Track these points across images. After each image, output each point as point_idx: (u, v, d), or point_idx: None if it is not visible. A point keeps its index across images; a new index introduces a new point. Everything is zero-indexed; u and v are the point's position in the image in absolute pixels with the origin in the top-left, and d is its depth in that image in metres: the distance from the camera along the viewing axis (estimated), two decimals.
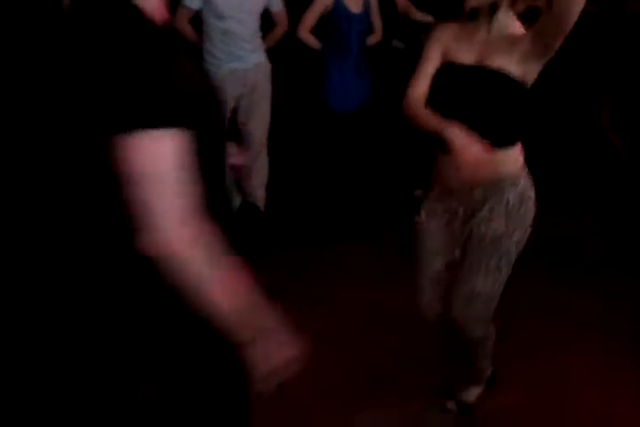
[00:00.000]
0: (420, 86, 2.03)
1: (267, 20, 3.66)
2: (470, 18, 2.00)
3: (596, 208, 4.15)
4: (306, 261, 3.40)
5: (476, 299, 2.03)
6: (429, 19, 3.81)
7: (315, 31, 3.73)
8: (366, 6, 3.73)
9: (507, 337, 2.45)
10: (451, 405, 2.42)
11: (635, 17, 4.26)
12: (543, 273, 3.26)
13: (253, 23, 3.51)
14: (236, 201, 3.80)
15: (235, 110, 3.64)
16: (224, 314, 1.04)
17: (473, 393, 2.40)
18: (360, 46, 3.74)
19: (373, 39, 3.84)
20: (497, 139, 1.94)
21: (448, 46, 2.03)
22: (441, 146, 1.86)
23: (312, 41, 3.72)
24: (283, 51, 3.84)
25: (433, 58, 2.04)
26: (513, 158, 2.02)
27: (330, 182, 3.94)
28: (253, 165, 3.74)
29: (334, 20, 3.67)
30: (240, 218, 3.76)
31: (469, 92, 1.97)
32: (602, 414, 2.39)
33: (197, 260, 1.00)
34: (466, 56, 1.99)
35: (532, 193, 2.05)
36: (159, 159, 0.95)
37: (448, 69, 2.03)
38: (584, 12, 1.82)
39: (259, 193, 3.81)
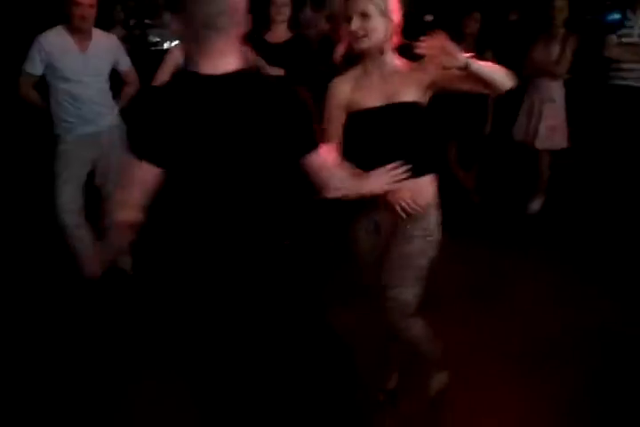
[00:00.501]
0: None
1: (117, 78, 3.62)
2: (349, 65, 2.18)
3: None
4: None
5: (404, 306, 2.30)
6: (278, 72, 3.93)
7: None
8: None
9: None
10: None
11: None
12: None
13: (101, 85, 3.46)
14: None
15: (91, 173, 3.54)
16: None
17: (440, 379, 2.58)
18: None
19: None
20: (422, 166, 2.18)
21: (348, 99, 2.19)
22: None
23: None
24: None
25: (336, 117, 2.20)
26: (428, 188, 2.26)
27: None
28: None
29: None
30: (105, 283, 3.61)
31: (388, 129, 2.15)
32: None
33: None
34: (369, 100, 2.17)
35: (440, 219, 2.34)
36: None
37: (359, 117, 2.19)
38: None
39: (125, 257, 3.68)
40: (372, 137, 2.20)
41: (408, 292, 2.28)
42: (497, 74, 2.12)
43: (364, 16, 2.08)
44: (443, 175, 4.61)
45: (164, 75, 3.67)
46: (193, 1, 1.58)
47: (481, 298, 3.54)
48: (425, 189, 2.24)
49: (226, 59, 1.63)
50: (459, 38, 4.67)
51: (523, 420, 2.59)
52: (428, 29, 5.68)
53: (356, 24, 2.09)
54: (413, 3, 6.21)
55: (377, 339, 2.66)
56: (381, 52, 2.16)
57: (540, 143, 4.74)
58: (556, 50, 4.62)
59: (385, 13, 2.11)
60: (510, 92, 4.99)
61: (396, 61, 2.20)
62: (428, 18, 5.56)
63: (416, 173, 2.14)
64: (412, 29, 5.35)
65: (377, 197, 2.15)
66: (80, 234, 3.48)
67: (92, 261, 3.58)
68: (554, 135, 4.72)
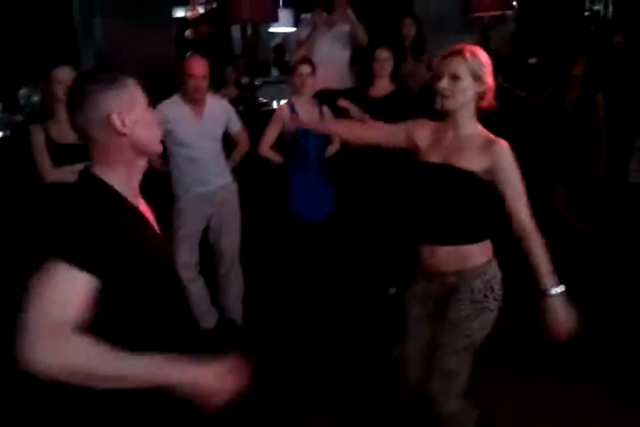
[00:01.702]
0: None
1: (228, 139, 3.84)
2: (439, 118, 2.24)
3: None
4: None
5: (447, 376, 2.21)
6: None
7: (276, 145, 3.91)
8: (322, 119, 3.94)
9: None
10: None
11: (575, 108, 4.55)
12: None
13: (215, 147, 3.66)
14: (213, 319, 3.81)
15: (206, 229, 3.74)
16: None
17: None
18: (319, 158, 3.92)
19: (332, 149, 4.02)
20: (462, 234, 2.18)
21: (420, 142, 2.27)
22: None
23: (274, 157, 3.89)
24: (248, 167, 3.99)
25: (400, 128, 2.34)
26: (478, 252, 2.21)
27: (308, 293, 4.01)
28: (228, 280, 3.81)
29: (293, 136, 3.86)
30: (218, 335, 3.76)
31: (436, 189, 2.19)
32: None
33: None
34: (433, 155, 2.22)
35: (498, 285, 2.23)
36: None
37: (419, 168, 2.26)
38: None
39: (235, 308, 3.84)
40: (424, 192, 2.25)
41: (450, 360, 2.21)
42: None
43: (455, 77, 2.13)
44: (552, 222, 4.61)
45: (271, 133, 3.87)
46: None
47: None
48: (470, 256, 2.21)
49: None
50: (565, 82, 4.62)
51: None
52: (531, 72, 5.71)
53: (444, 84, 2.14)
54: (517, 45, 6.19)
55: None
56: (465, 114, 2.19)
57: None
58: None
59: (477, 77, 2.14)
60: (624, 130, 4.87)
61: (474, 126, 2.21)
62: (532, 61, 5.49)
63: (460, 239, 2.18)
64: (516, 72, 5.34)
65: (425, 265, 2.26)
66: (195, 288, 3.68)
67: (206, 315, 3.77)
68: None
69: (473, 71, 2.13)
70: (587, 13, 6.56)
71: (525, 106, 4.71)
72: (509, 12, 6.25)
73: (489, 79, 2.17)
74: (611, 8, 7.45)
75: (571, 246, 4.64)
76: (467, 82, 2.13)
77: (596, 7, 7.54)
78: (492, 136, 2.18)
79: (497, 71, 4.93)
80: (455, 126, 2.21)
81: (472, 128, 2.20)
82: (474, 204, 2.19)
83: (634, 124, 4.68)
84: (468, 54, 2.12)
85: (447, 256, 2.21)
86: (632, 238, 4.84)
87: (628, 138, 4.71)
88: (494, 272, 2.24)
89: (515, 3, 6.04)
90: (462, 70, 2.12)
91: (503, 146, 2.12)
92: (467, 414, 2.32)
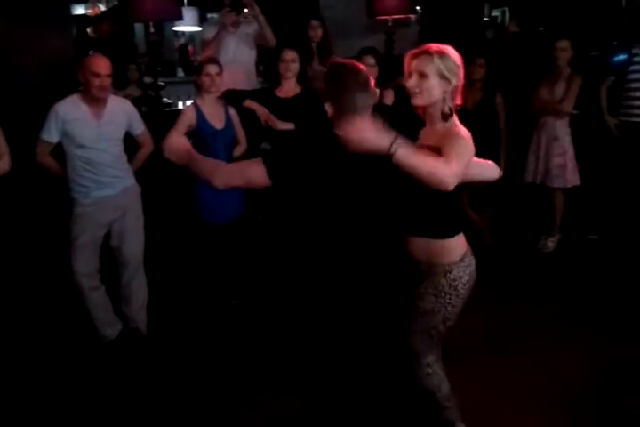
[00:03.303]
0: None
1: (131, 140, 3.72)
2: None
3: None
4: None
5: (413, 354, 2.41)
6: (288, 126, 4.02)
7: None
8: (228, 121, 3.90)
9: None
10: None
11: (477, 111, 4.71)
12: None
13: (116, 149, 3.54)
14: (116, 328, 3.68)
15: (107, 235, 3.61)
16: None
17: None
18: (227, 159, 3.87)
19: (239, 150, 4.00)
20: (428, 228, 2.28)
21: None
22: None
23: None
24: (152, 169, 3.89)
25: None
26: (445, 250, 2.31)
27: (214, 294, 3.95)
28: (131, 287, 3.69)
29: (199, 136, 3.80)
30: (121, 345, 3.63)
31: (412, 187, 2.16)
32: None
33: None
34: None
35: (464, 287, 2.35)
36: None
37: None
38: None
39: (139, 316, 3.72)
40: (403, 189, 2.25)
41: (414, 341, 2.38)
42: (428, 169, 2.00)
43: (422, 75, 2.19)
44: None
45: (177, 135, 3.77)
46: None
47: (497, 348, 3.52)
48: (437, 252, 2.30)
49: None
50: (467, 84, 4.77)
51: None
52: None
53: (412, 82, 2.22)
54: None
55: None
56: (437, 111, 2.24)
57: (551, 182, 4.76)
58: (561, 89, 4.68)
59: (443, 77, 2.19)
60: (522, 132, 5.07)
61: (450, 124, 2.25)
62: None
63: (426, 233, 2.29)
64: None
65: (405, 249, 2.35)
66: (96, 297, 3.54)
67: (109, 325, 3.63)
68: (564, 173, 4.74)
69: (439, 71, 2.19)
70: (486, 19, 6.82)
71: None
72: (413, 16, 6.42)
73: (458, 78, 2.23)
74: (507, 15, 7.80)
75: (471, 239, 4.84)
76: (433, 80, 2.19)
77: (495, 13, 7.88)
78: (460, 130, 2.22)
79: (400, 73, 5.06)
80: (432, 124, 2.28)
81: (449, 125, 2.25)
82: (438, 200, 2.23)
83: (530, 126, 4.89)
84: (435, 54, 2.19)
85: (418, 247, 2.33)
86: (526, 234, 5.07)
87: (525, 139, 4.91)
88: (461, 274, 2.32)
89: (418, 7, 6.20)
90: (429, 69, 2.18)
91: (461, 130, 2.20)
92: (445, 394, 2.46)
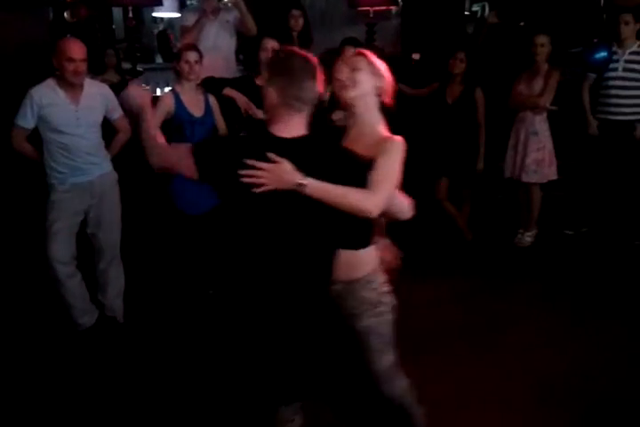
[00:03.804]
0: None
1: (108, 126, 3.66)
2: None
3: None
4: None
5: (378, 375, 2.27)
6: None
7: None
8: (208, 109, 3.85)
9: None
10: None
11: (457, 104, 4.72)
12: None
13: (94, 135, 3.48)
14: (92, 316, 3.64)
15: (84, 222, 3.55)
16: None
17: None
18: None
19: None
20: (349, 241, 2.13)
21: None
22: None
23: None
24: (130, 156, 3.83)
25: None
26: (366, 260, 2.20)
27: (190, 284, 3.91)
28: (108, 275, 3.64)
29: (177, 124, 3.75)
30: (96, 334, 3.59)
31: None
32: None
33: None
34: None
35: (386, 289, 2.23)
36: None
37: None
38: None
39: (116, 304, 3.68)
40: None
41: (373, 362, 2.24)
42: (350, 202, 1.89)
43: (354, 69, 2.20)
44: (433, 213, 4.79)
45: (153, 122, 3.73)
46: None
47: (475, 340, 3.54)
48: (361, 261, 2.20)
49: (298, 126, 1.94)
50: (446, 78, 4.79)
51: None
52: (415, 68, 5.84)
53: (344, 74, 2.20)
54: (402, 41, 6.35)
55: None
56: (367, 110, 2.21)
57: (528, 177, 4.80)
58: (539, 84, 4.72)
59: (375, 72, 2.21)
60: (501, 127, 5.09)
61: (375, 123, 2.22)
62: (415, 56, 5.65)
63: (350, 245, 2.14)
64: (400, 68, 5.46)
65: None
66: (72, 284, 3.49)
67: (85, 312, 3.58)
68: (541, 168, 4.78)
69: (371, 67, 2.21)
70: (466, 13, 6.83)
71: (409, 101, 4.83)
72: (394, 8, 6.41)
73: (386, 80, 2.23)
74: (487, 9, 7.82)
75: (449, 235, 4.92)
76: (365, 74, 2.19)
77: (475, 8, 7.90)
78: (388, 134, 2.18)
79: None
80: (357, 122, 2.23)
81: (372, 125, 2.21)
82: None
83: (509, 121, 4.91)
84: (366, 54, 2.24)
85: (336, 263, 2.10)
86: (504, 228, 5.12)
87: (504, 133, 4.94)
88: (381, 280, 2.23)
89: None
90: (361, 64, 2.21)
91: (395, 141, 2.12)
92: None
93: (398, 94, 4.97)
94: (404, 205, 2.16)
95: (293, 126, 1.93)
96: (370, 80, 2.20)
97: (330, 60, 4.55)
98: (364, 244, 2.21)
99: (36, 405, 2.99)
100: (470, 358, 3.33)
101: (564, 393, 3.02)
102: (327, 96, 4.25)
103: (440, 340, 3.49)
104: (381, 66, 2.25)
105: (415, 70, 5.49)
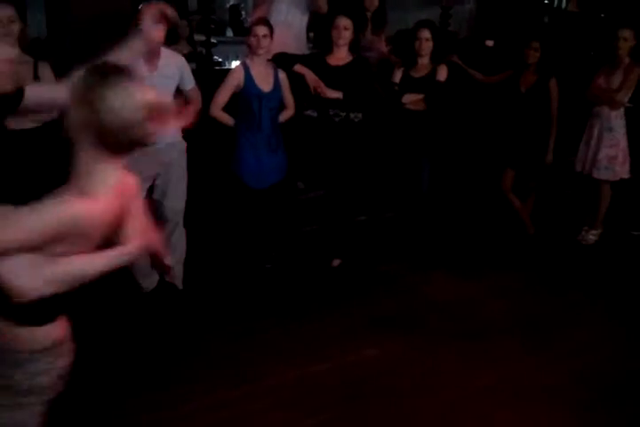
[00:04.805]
0: None
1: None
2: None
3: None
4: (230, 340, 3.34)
5: None
6: (336, 95, 3.96)
7: (227, 107, 3.79)
8: (277, 84, 3.84)
9: None
10: None
11: (529, 94, 4.60)
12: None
13: None
14: (153, 280, 3.72)
15: (151, 188, 3.61)
16: None
17: None
18: (272, 123, 3.83)
19: (286, 115, 3.95)
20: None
21: None
22: None
23: (225, 118, 3.79)
24: (198, 127, 3.86)
25: None
26: (30, 337, 1.69)
27: (248, 257, 3.95)
28: (170, 242, 3.69)
29: (245, 98, 3.76)
30: (157, 297, 3.67)
31: None
32: None
33: None
34: None
35: (44, 379, 1.72)
36: None
37: None
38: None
39: (176, 271, 3.74)
40: None
41: None
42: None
43: None
44: (497, 204, 4.69)
45: (224, 93, 3.75)
46: None
47: (532, 334, 3.48)
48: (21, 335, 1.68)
49: None
50: (521, 67, 4.65)
51: None
52: (488, 54, 5.69)
53: None
54: (476, 26, 6.20)
55: None
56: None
57: (599, 173, 4.65)
58: (618, 78, 4.54)
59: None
60: (575, 120, 4.93)
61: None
62: (489, 43, 5.50)
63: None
64: (473, 53, 5.34)
65: None
66: None
67: (146, 276, 3.67)
68: (613, 165, 4.61)
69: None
70: (545, 1, 6.62)
71: (480, 88, 4.72)
72: None
73: None
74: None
75: (512, 229, 4.81)
76: None
77: None
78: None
79: (453, 50, 4.95)
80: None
81: None
82: None
83: (585, 113, 4.75)
84: None
85: None
86: (569, 224, 4.98)
87: (578, 127, 4.78)
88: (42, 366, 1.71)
89: None
90: None
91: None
92: None
93: (469, 80, 4.92)
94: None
95: None
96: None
97: (402, 41, 4.53)
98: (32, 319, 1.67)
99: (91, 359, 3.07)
100: (519, 351, 3.29)
101: (612, 395, 2.96)
102: (399, 79, 4.24)
103: (494, 331, 3.44)
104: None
105: (488, 57, 5.35)
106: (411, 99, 4.16)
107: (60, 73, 3.34)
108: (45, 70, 3.33)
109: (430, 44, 4.14)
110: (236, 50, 5.30)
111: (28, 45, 3.32)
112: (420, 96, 4.13)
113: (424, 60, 4.20)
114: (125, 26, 3.57)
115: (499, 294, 3.94)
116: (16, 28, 3.19)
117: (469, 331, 3.44)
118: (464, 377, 3.03)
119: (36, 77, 3.26)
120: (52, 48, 4.09)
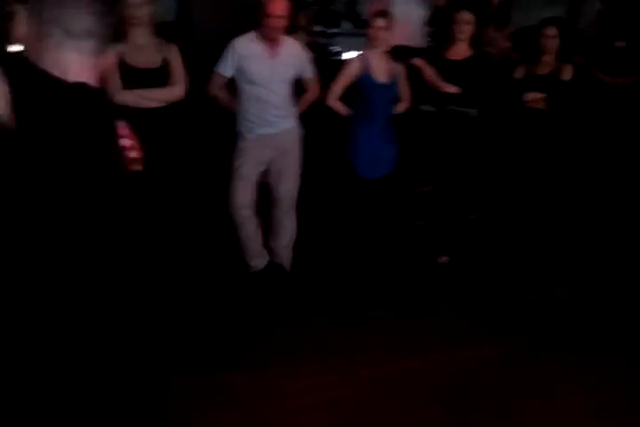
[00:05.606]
0: None
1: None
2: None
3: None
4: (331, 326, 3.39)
5: None
6: (454, 89, 3.89)
7: (344, 97, 3.81)
8: (394, 76, 3.82)
9: None
10: None
11: None
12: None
13: (285, 91, 3.58)
14: (263, 260, 3.82)
15: (265, 172, 3.70)
16: None
17: None
18: (387, 114, 3.82)
19: (401, 107, 3.93)
20: None
21: None
22: None
23: (341, 108, 3.81)
24: (315, 116, 3.90)
25: None
26: None
27: (356, 247, 3.96)
28: (281, 224, 3.78)
29: (362, 89, 3.76)
30: (265, 277, 3.77)
31: None
32: None
33: None
34: None
35: None
36: None
37: None
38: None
39: (285, 253, 3.83)
40: None
41: None
42: None
43: None
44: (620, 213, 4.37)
45: (341, 83, 3.77)
46: None
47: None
48: None
49: None
50: None
51: None
52: (618, 55, 5.40)
53: None
54: (603, 25, 5.89)
55: None
56: None
57: None
58: None
59: None
60: None
61: None
62: (620, 44, 5.22)
63: None
64: (600, 54, 5.06)
65: None
66: (248, 227, 3.67)
67: (256, 256, 3.77)
68: None
69: None
70: None
71: (605, 89, 4.50)
72: None
73: None
74: None
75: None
76: None
77: None
78: None
79: (580, 49, 4.71)
80: None
81: None
82: None
83: None
84: None
85: None
86: None
87: None
88: None
89: None
90: None
91: None
92: None
93: (595, 82, 4.67)
94: None
95: None
96: None
97: (525, 38, 4.38)
98: None
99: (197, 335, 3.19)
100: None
101: None
102: (522, 76, 4.10)
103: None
104: None
105: (617, 58, 5.09)
106: (533, 97, 4.03)
107: (187, 55, 3.50)
108: (174, 52, 3.46)
109: (557, 41, 3.99)
110: (350, 41, 5.33)
111: (158, 28, 3.45)
112: (543, 95, 4.00)
113: (548, 58, 4.05)
114: (247, 11, 3.67)
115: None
116: (148, 11, 3.32)
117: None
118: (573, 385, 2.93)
119: (165, 59, 3.39)
120: (181, 31, 4.25)
